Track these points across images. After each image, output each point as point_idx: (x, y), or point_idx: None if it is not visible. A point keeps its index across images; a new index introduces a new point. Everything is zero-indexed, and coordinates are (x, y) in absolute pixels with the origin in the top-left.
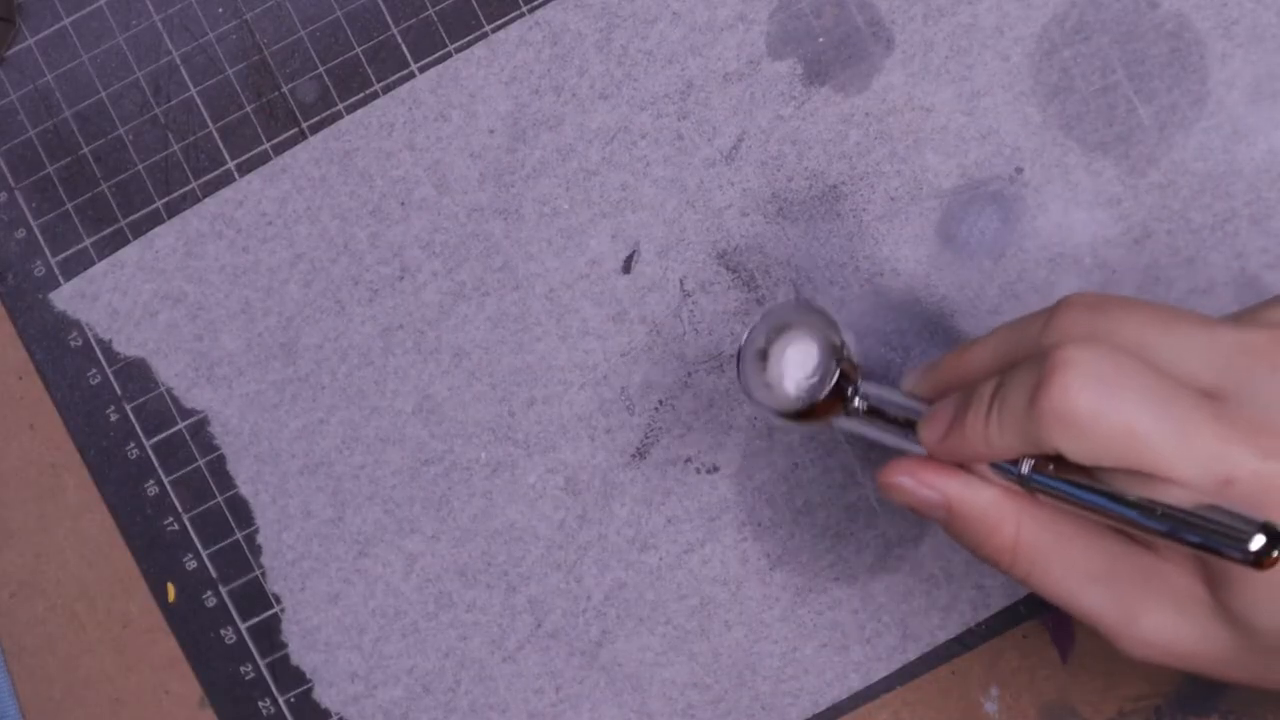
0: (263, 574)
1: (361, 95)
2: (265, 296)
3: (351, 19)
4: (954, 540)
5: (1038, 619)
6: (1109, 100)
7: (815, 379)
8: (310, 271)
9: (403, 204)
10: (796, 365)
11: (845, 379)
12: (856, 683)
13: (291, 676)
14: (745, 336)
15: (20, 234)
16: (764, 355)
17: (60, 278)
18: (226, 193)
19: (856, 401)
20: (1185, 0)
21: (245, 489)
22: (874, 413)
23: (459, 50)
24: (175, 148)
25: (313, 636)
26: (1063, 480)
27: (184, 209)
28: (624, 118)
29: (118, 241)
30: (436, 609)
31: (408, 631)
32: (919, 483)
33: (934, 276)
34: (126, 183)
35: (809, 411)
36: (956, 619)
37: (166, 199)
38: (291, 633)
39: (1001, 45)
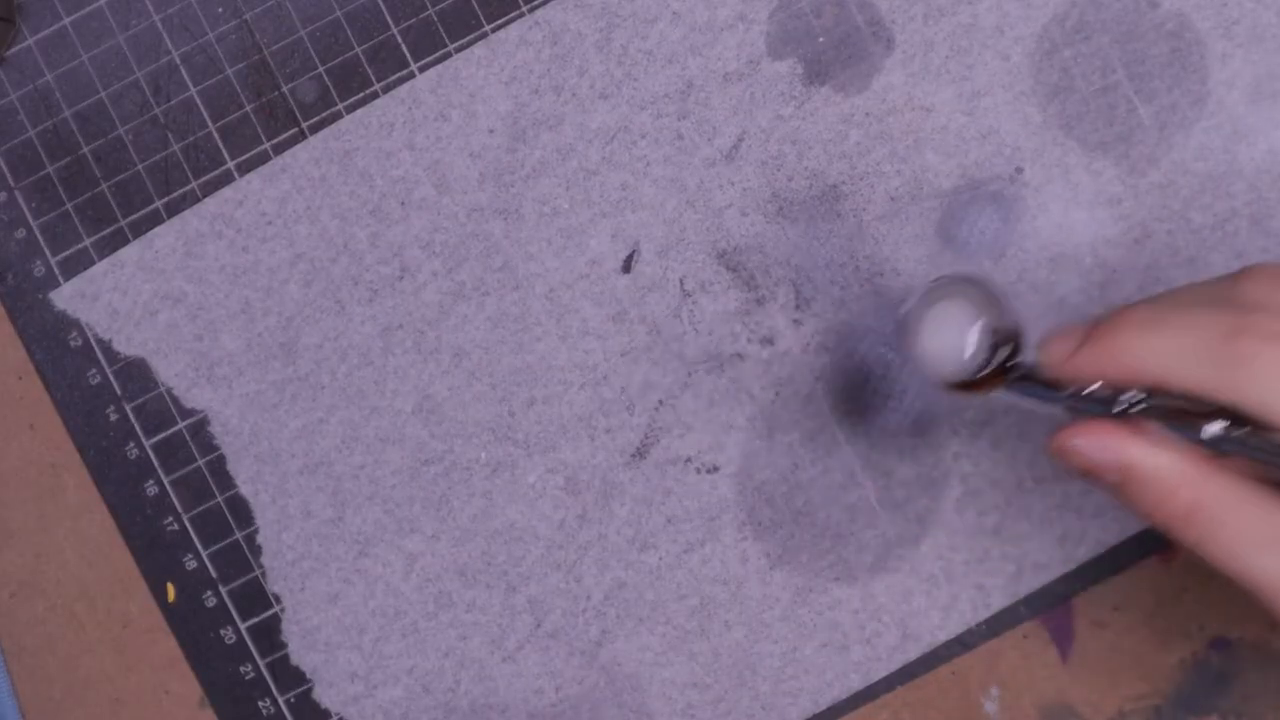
0: (263, 574)
1: (361, 95)
2: (265, 296)
3: (351, 19)
4: (1123, 504)
5: (1038, 619)
6: (1109, 100)
7: (984, 352)
8: (310, 271)
9: (403, 204)
10: (964, 337)
11: (1013, 353)
12: (856, 683)
13: (291, 676)
14: (912, 302)
15: (20, 234)
16: (930, 324)
17: (60, 278)
18: (226, 192)
19: (1018, 373)
20: (1185, 0)
21: (245, 489)
22: (1032, 383)
23: (459, 50)
24: (175, 148)
25: (313, 636)
26: (1257, 442)
27: (184, 209)
28: (624, 117)
29: (117, 241)
30: (436, 609)
31: (408, 631)
32: (1096, 445)
33: (934, 276)
34: (126, 183)
35: (973, 384)
36: (956, 619)
37: (166, 199)
38: (291, 633)
39: (1002, 45)
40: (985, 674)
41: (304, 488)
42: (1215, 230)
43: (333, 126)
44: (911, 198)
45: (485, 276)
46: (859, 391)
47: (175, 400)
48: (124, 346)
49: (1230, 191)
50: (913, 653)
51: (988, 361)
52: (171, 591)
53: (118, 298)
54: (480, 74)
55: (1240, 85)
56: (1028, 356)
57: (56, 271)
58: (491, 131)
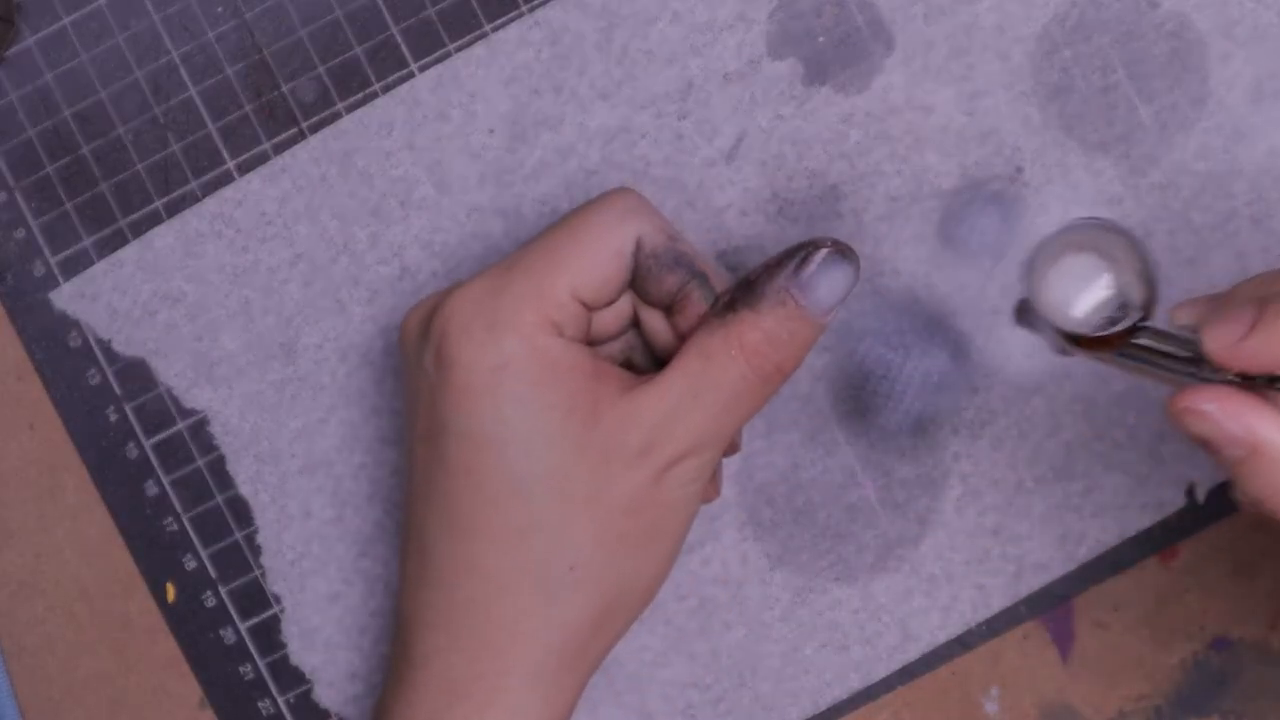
0: (263, 574)
1: (361, 95)
2: (265, 296)
3: (351, 19)
4: (1239, 482)
5: (1038, 619)
6: (1109, 100)
7: (1116, 312)
8: (310, 271)
9: (402, 204)
10: (1097, 291)
11: (1145, 313)
12: (856, 683)
13: (291, 676)
14: (1039, 246)
15: (20, 234)
16: (1059, 270)
17: (60, 278)
18: (226, 192)
19: (1145, 336)
20: (1186, 0)
21: (245, 489)
22: (1158, 347)
23: (459, 50)
24: (175, 148)
25: (313, 637)
26: None
27: (184, 209)
28: (624, 118)
29: (117, 241)
30: None
31: None
32: (1229, 414)
33: (934, 276)
34: (126, 183)
35: (1096, 341)
36: (956, 619)
37: (166, 199)
38: (291, 633)
39: (1002, 45)
40: (985, 674)
41: (304, 488)
42: (1216, 230)
43: (333, 126)
44: (911, 198)
45: None
46: (859, 391)
47: (175, 400)
48: (124, 347)
49: (1231, 191)
50: (913, 653)
51: (1115, 319)
52: (171, 591)
53: (117, 298)
54: (480, 74)
55: (1241, 85)
56: (1159, 319)
57: (56, 271)
58: (491, 131)
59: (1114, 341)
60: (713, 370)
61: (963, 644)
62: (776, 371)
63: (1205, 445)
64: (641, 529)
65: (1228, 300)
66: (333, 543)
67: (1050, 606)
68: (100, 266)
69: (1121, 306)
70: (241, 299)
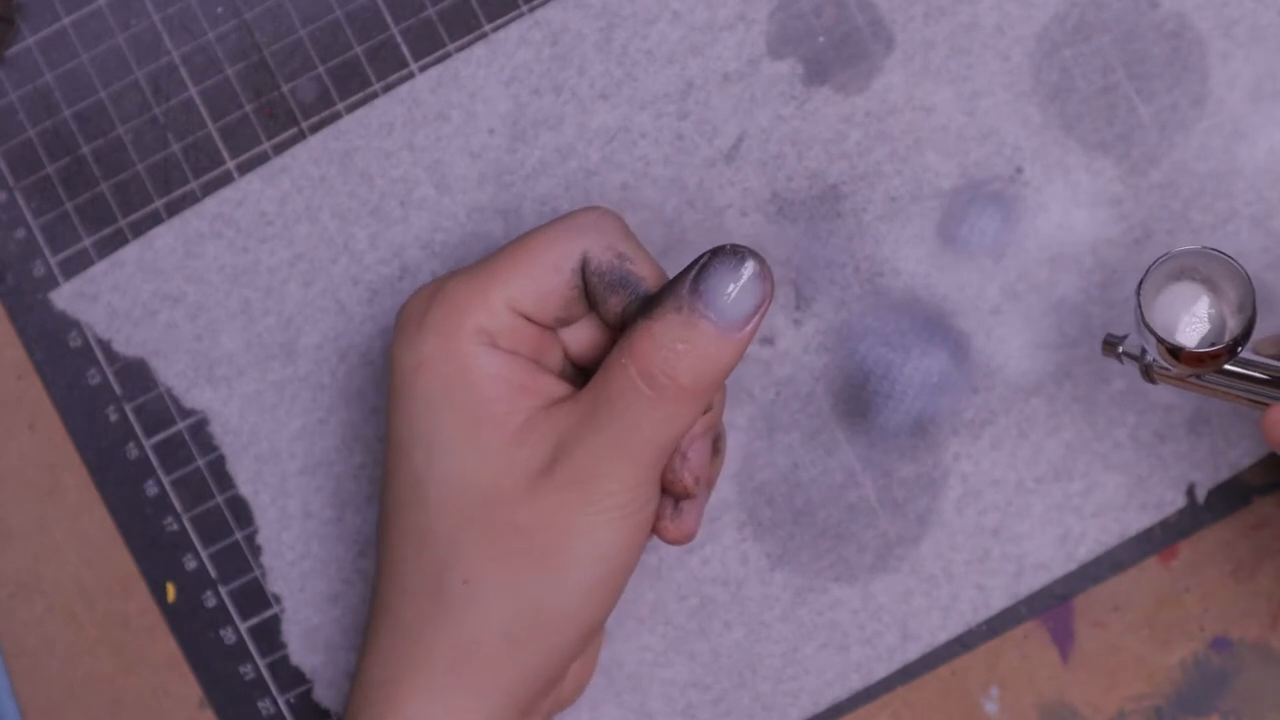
0: (263, 574)
1: (361, 95)
2: (265, 296)
3: (351, 19)
4: None
5: (1038, 619)
6: (1109, 100)
7: (1215, 334)
8: (310, 271)
9: (402, 204)
10: (1200, 314)
11: (1246, 332)
12: (856, 683)
13: (291, 677)
14: (1149, 270)
15: (20, 234)
16: (1164, 298)
17: (60, 278)
18: (226, 193)
19: (1240, 362)
20: (1185, 0)
21: (245, 489)
22: (1257, 376)
23: (459, 50)
24: (175, 148)
25: (313, 637)
26: None
27: (184, 209)
28: (624, 117)
29: (117, 241)
30: None
31: None
32: None
33: (934, 276)
34: (126, 183)
35: (1204, 357)
36: (956, 619)
37: (166, 199)
38: (291, 633)
39: (1002, 45)
40: (985, 674)
41: (304, 488)
42: (1216, 230)
43: (333, 126)
44: (911, 198)
45: None
46: (859, 391)
47: (175, 400)
48: (124, 347)
49: (1231, 191)
50: (913, 653)
51: (1221, 338)
52: (171, 591)
53: (117, 298)
54: (480, 74)
55: (1241, 85)
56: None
57: (56, 271)
58: (491, 131)
59: (1212, 360)
60: (609, 386)
61: (963, 644)
62: (670, 381)
63: None
64: (541, 550)
65: None
66: (333, 543)
67: (1050, 606)
68: (100, 266)
69: (1220, 330)
70: (241, 299)
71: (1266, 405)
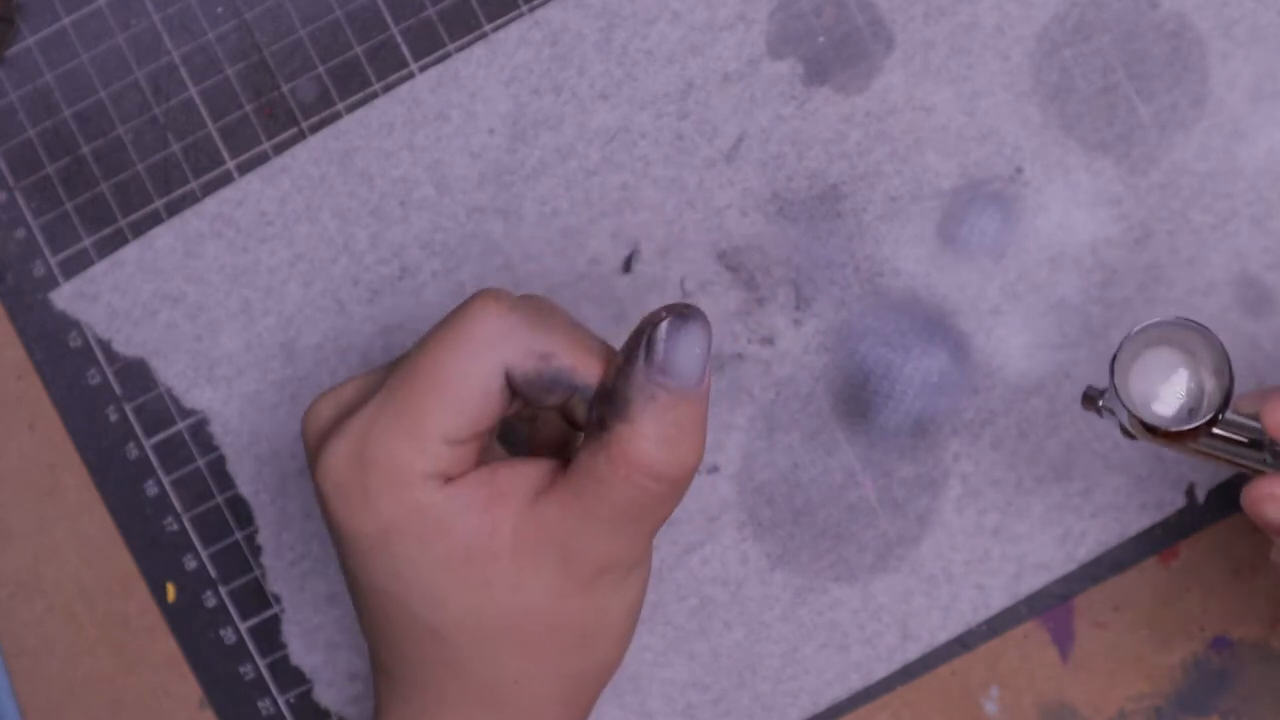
0: (263, 574)
1: (361, 95)
2: (265, 296)
3: (351, 19)
4: None
5: (1038, 619)
6: (1109, 100)
7: (1193, 404)
8: (310, 271)
9: (402, 204)
10: (1178, 386)
11: (1224, 404)
12: (856, 683)
13: (291, 677)
14: (1122, 344)
15: (20, 234)
16: (1140, 368)
17: (60, 278)
18: (226, 193)
19: (1221, 428)
20: (1185, 0)
21: (245, 489)
22: (1238, 440)
23: (459, 50)
24: (175, 148)
25: (313, 637)
26: None
27: (184, 209)
28: (624, 117)
29: (117, 241)
30: None
31: None
32: None
33: (934, 276)
34: (126, 183)
35: (1179, 434)
36: (956, 619)
37: (166, 199)
38: (291, 633)
39: (1002, 45)
40: (985, 674)
41: (304, 488)
42: (1216, 230)
43: (332, 126)
44: (911, 198)
45: (485, 276)
46: (859, 391)
47: (175, 400)
48: (124, 347)
49: (1231, 191)
50: (913, 653)
51: (1196, 413)
52: (171, 591)
53: (117, 298)
54: (480, 74)
55: (1241, 85)
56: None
57: (56, 271)
58: (491, 131)
59: (1192, 436)
60: (608, 493)
61: (963, 644)
62: (682, 471)
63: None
64: (578, 638)
65: None
66: (332, 544)
67: (1050, 606)
68: (100, 266)
69: (1198, 400)
70: (241, 299)
71: (1247, 468)
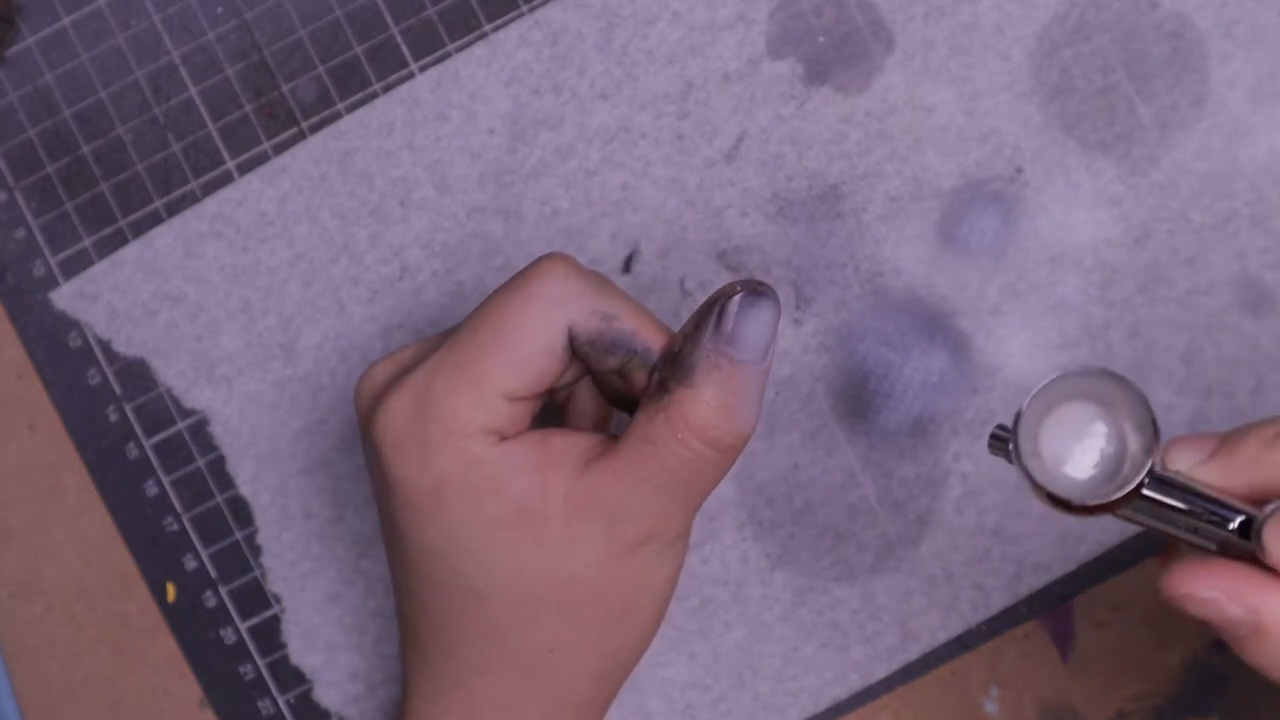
0: (263, 574)
1: (361, 95)
2: (265, 296)
3: (351, 19)
4: (1241, 654)
5: (1038, 619)
6: (1109, 100)
7: (1112, 473)
8: (310, 271)
9: (402, 204)
10: (1090, 452)
11: (1148, 474)
12: (856, 683)
13: (291, 677)
14: (1028, 401)
15: (20, 234)
16: (1049, 428)
17: (60, 278)
18: (226, 192)
19: (1150, 493)
20: (1186, 0)
21: (245, 489)
22: (1168, 506)
23: (459, 50)
24: (175, 148)
25: (313, 637)
26: None
27: (184, 209)
28: (624, 117)
29: (117, 241)
30: None
31: None
32: (1229, 596)
33: (934, 276)
34: (126, 183)
35: (1098, 507)
36: (957, 619)
37: (166, 199)
38: (292, 633)
39: (1002, 45)
40: (985, 674)
41: (304, 488)
42: (1216, 230)
43: (333, 126)
44: (911, 198)
45: (485, 276)
46: (859, 391)
47: (175, 400)
48: (124, 347)
49: (1231, 191)
50: (913, 653)
51: (1115, 483)
52: (171, 591)
53: (117, 298)
54: (480, 74)
55: (1241, 85)
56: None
57: (56, 271)
58: (491, 131)
59: (1114, 506)
60: (662, 455)
61: (963, 644)
62: (736, 439)
63: (1204, 622)
64: (618, 608)
65: (1245, 470)
66: (333, 543)
67: (1050, 606)
68: (101, 266)
69: (1116, 461)
70: (242, 299)
71: (1176, 539)
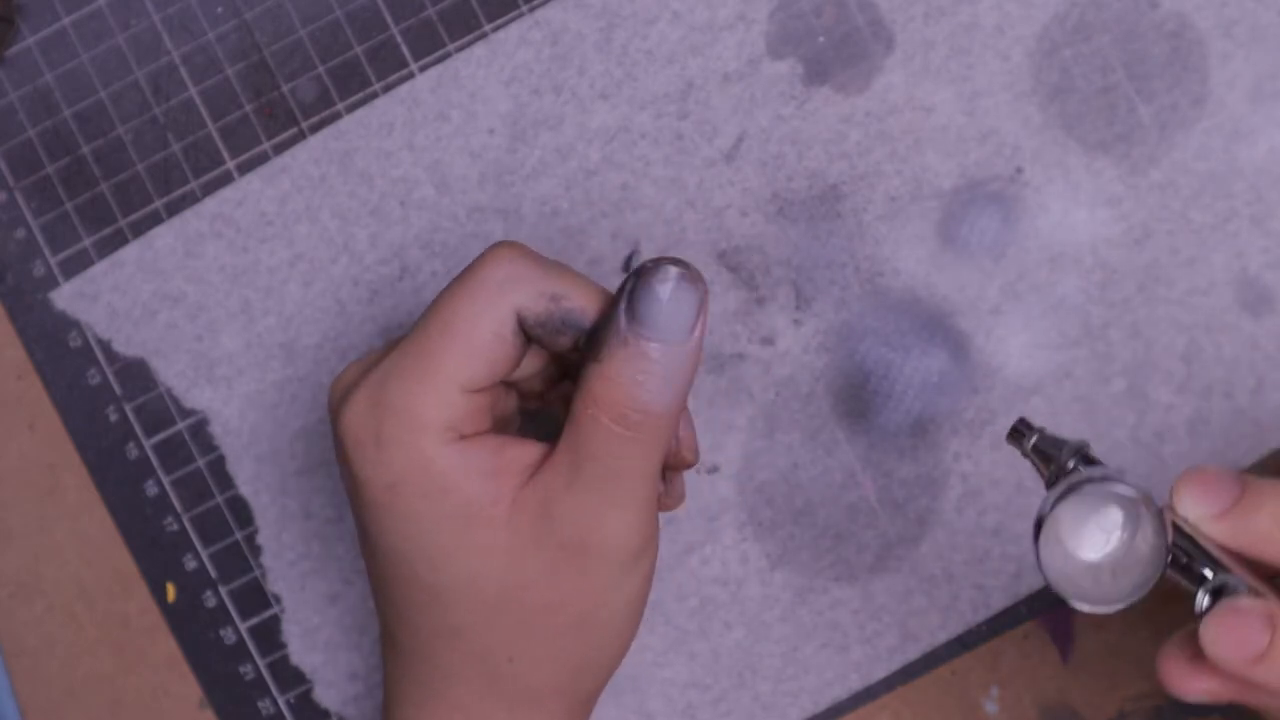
0: (263, 574)
1: (361, 95)
2: (265, 296)
3: (351, 19)
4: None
5: (1038, 619)
6: (1109, 100)
7: (1139, 581)
8: (310, 271)
9: (402, 204)
10: (1116, 563)
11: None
12: (856, 683)
13: (291, 677)
14: (1049, 506)
15: (20, 234)
16: (1072, 535)
17: (60, 278)
18: (226, 192)
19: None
20: (1186, 0)
21: (245, 489)
22: (1177, 565)
23: (459, 50)
24: (175, 148)
25: (313, 637)
26: None
27: (184, 209)
28: (624, 117)
29: (117, 241)
30: None
31: None
32: (1217, 695)
33: (934, 276)
34: (126, 183)
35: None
36: (956, 619)
37: (166, 199)
38: (292, 633)
39: (1002, 45)
40: (985, 674)
41: (304, 488)
42: (1216, 230)
43: (332, 126)
44: (911, 198)
45: None
46: (859, 391)
47: (175, 400)
48: (124, 347)
49: (1231, 191)
50: (913, 653)
51: (1139, 583)
52: (171, 591)
53: (117, 298)
54: (480, 74)
55: (1241, 85)
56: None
57: (56, 271)
58: (491, 131)
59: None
60: (580, 437)
61: (963, 644)
62: (642, 416)
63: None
64: (574, 619)
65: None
66: (333, 543)
67: (1050, 606)
68: (100, 266)
69: (1128, 560)
70: (241, 299)
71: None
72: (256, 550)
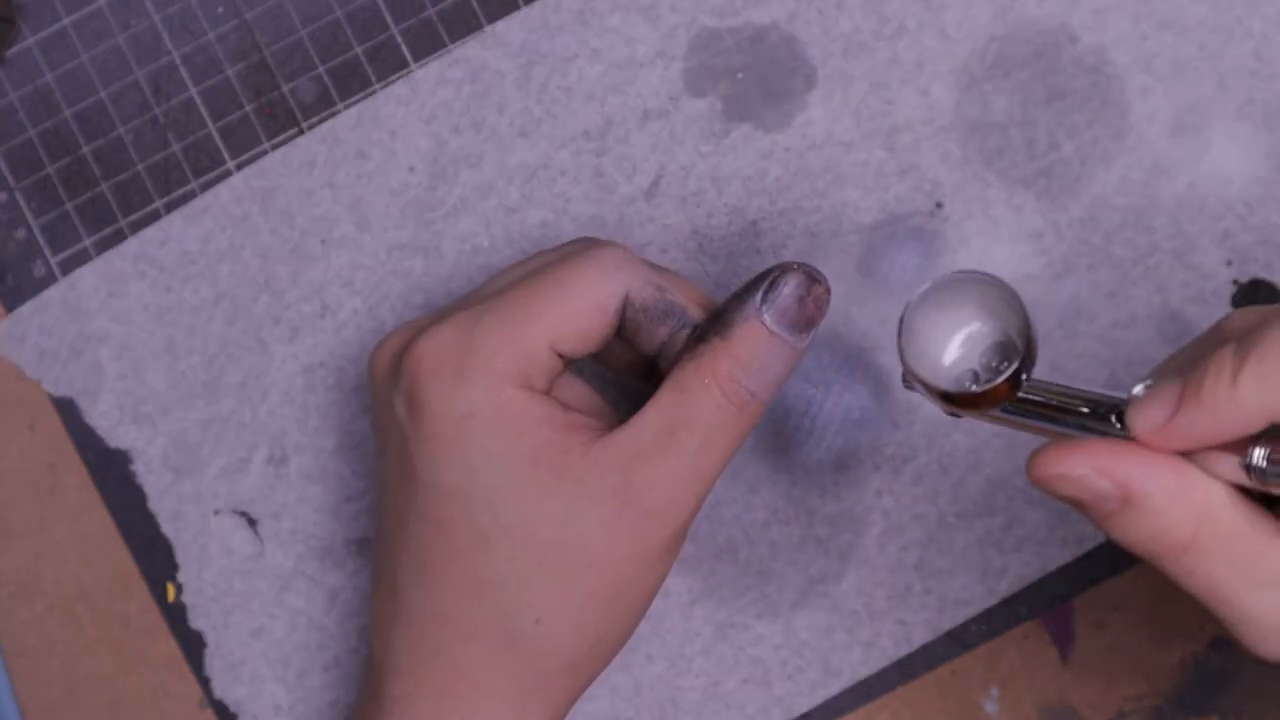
0: (183, 611)
1: (361, 95)
2: (188, 335)
3: (351, 19)
4: (1112, 534)
5: (1038, 619)
6: (1029, 135)
7: (992, 362)
8: (232, 310)
9: (323, 242)
10: (971, 344)
11: (1025, 364)
12: (778, 717)
13: (216, 710)
14: (912, 302)
15: (20, 234)
16: (931, 327)
17: (60, 277)
18: (149, 232)
19: (1026, 390)
20: (1105, 34)
21: (167, 528)
22: (1043, 403)
23: (382, 88)
24: (175, 148)
25: (236, 671)
26: None
27: (183, 208)
28: (543, 155)
29: (118, 241)
30: (359, 644)
31: (330, 665)
32: (1099, 471)
33: (854, 311)
34: (126, 183)
35: (976, 398)
36: (878, 654)
37: (166, 199)
38: (215, 667)
39: (922, 80)
40: (985, 674)
41: (224, 525)
42: (1137, 264)
43: (254, 165)
44: (832, 233)
45: (406, 314)
46: (780, 428)
47: (99, 440)
48: (52, 387)
49: (1152, 225)
50: (835, 687)
51: (989, 374)
52: (171, 591)
53: (44, 339)
54: (400, 112)
55: (1161, 119)
56: (1038, 372)
57: (56, 271)
58: (412, 169)
59: (991, 398)
60: (688, 404)
61: (963, 644)
62: (752, 398)
63: (1073, 504)
64: (615, 586)
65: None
66: (254, 578)
67: (1050, 606)
68: (27, 307)
69: (998, 359)
70: (166, 338)
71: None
72: (178, 589)
